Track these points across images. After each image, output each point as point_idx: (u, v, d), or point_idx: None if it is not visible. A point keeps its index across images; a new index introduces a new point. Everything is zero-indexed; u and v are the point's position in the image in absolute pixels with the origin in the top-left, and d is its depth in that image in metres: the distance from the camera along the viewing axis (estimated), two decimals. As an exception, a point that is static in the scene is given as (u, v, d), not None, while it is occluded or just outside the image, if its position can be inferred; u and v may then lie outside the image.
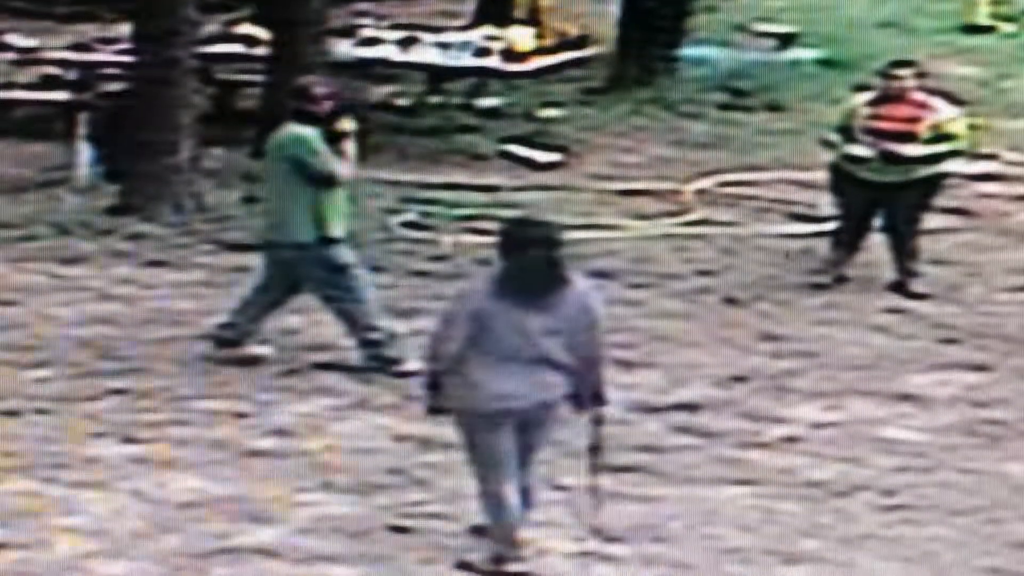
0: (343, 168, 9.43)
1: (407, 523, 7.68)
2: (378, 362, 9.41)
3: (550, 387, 7.13)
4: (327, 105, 9.47)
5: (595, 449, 7.38)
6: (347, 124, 9.56)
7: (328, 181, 9.36)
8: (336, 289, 9.42)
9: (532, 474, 7.36)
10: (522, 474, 7.27)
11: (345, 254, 9.47)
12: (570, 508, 7.74)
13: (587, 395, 7.26)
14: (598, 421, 7.34)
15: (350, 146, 9.52)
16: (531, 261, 7.04)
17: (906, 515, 7.97)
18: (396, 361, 9.39)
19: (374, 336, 9.43)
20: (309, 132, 9.36)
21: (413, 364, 9.10)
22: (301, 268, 9.46)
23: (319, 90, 9.54)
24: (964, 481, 8.35)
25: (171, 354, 9.76)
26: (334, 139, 9.45)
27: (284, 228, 9.40)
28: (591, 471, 7.41)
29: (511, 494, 7.20)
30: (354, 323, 9.46)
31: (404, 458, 8.36)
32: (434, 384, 7.24)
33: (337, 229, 9.45)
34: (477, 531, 7.44)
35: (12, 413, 8.87)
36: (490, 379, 7.04)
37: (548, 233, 7.21)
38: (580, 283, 7.22)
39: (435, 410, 7.37)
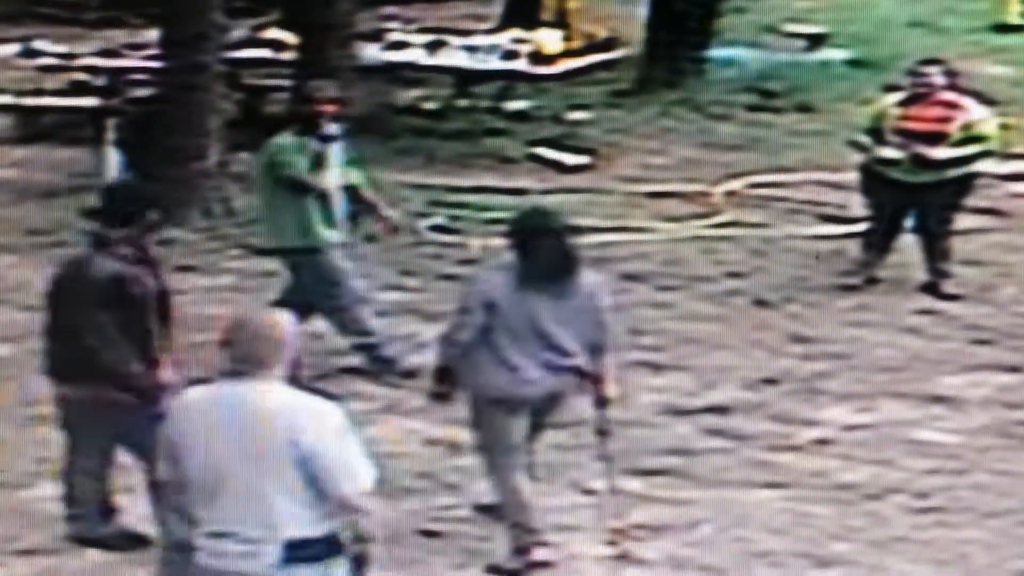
0: (316, 178, 9.29)
1: (438, 527, 7.66)
2: (379, 364, 9.44)
3: (560, 375, 7.17)
4: (327, 108, 9.43)
5: (603, 432, 7.42)
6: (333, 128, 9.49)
7: (300, 189, 9.28)
8: (324, 297, 9.42)
9: (534, 451, 7.47)
10: (527, 447, 7.36)
11: (335, 261, 9.41)
12: (598, 512, 7.71)
13: (593, 386, 7.29)
14: (601, 403, 7.35)
15: (332, 153, 9.42)
16: (544, 249, 7.11)
17: (939, 517, 7.92)
18: (395, 361, 9.42)
19: (370, 340, 9.45)
20: (288, 140, 9.36)
21: (414, 360, 9.14)
22: (294, 272, 9.53)
23: (322, 94, 9.51)
24: (997, 483, 8.30)
25: (200, 359, 9.74)
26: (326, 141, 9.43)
27: (273, 235, 9.46)
28: (600, 457, 7.45)
29: (522, 480, 7.25)
30: (345, 329, 9.50)
31: (434, 462, 8.35)
32: (442, 371, 7.27)
33: (329, 236, 9.41)
34: (484, 510, 7.46)
35: (43, 419, 8.87)
36: (505, 366, 7.08)
37: (557, 222, 7.31)
38: (589, 276, 7.30)
39: (437, 396, 7.42)
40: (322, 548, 5.32)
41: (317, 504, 5.31)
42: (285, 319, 5.55)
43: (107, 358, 7.03)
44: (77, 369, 7.11)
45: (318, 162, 9.31)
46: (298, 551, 5.28)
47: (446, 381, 7.32)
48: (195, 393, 5.58)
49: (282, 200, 9.35)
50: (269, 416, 5.31)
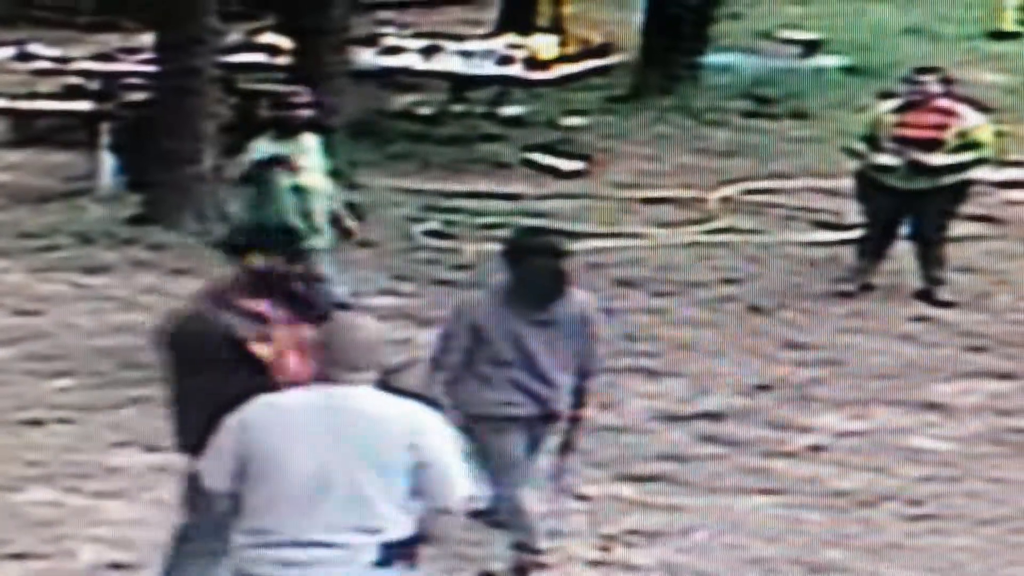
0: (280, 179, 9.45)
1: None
2: None
3: (548, 399, 7.10)
4: (302, 114, 9.44)
5: (566, 447, 7.33)
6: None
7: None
8: None
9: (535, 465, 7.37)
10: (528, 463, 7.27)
11: (318, 266, 9.39)
12: (591, 518, 7.70)
13: (574, 399, 7.22)
14: (575, 420, 7.28)
15: (311, 156, 9.51)
16: (536, 270, 7.02)
17: (932, 525, 7.91)
18: None
19: None
20: (258, 145, 9.44)
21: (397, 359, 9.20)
22: None
23: (298, 99, 9.52)
24: (991, 490, 8.29)
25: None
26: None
27: None
28: (558, 470, 7.36)
29: (528, 498, 7.18)
30: None
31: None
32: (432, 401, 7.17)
33: (314, 241, 9.39)
34: (477, 515, 7.42)
35: (35, 422, 8.87)
36: (487, 384, 7.03)
37: (552, 243, 7.21)
38: (579, 296, 7.18)
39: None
40: (409, 548, 5.36)
41: (410, 506, 5.32)
42: (374, 323, 5.51)
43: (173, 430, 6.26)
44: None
45: (280, 163, 9.30)
46: (391, 552, 5.30)
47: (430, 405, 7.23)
48: (279, 401, 5.38)
49: (265, 200, 9.34)
50: (387, 421, 5.27)
